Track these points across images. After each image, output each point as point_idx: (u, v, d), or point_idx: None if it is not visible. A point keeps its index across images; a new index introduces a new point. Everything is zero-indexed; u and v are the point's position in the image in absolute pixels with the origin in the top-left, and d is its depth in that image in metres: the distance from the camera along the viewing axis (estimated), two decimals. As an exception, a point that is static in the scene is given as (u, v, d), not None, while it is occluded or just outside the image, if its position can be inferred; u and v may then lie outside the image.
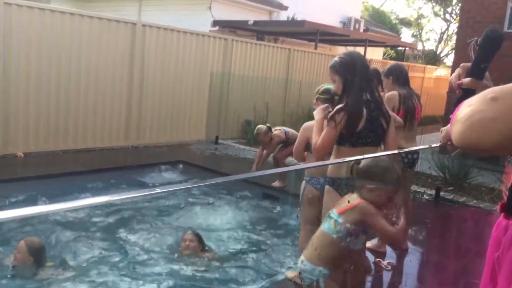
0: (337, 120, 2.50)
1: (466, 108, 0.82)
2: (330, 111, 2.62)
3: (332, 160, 2.69)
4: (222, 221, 4.92)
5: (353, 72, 2.57)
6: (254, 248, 4.31)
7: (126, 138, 7.76)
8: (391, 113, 3.86)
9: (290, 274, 3.23)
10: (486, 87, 1.14)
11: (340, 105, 2.57)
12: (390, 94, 4.12)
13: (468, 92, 0.87)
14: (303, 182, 3.33)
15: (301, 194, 3.33)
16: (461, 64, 1.26)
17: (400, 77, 4.17)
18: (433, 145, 1.74)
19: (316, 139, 2.60)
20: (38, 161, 6.28)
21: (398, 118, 3.92)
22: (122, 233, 4.39)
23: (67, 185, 5.33)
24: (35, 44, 6.40)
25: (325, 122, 2.61)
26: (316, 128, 2.66)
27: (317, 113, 2.73)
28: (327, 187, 2.72)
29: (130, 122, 7.75)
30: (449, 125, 0.92)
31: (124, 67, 7.53)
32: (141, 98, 7.83)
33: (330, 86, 3.23)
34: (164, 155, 7.47)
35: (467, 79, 1.19)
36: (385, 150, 2.74)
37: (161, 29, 7.98)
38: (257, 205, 5.47)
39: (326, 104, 2.77)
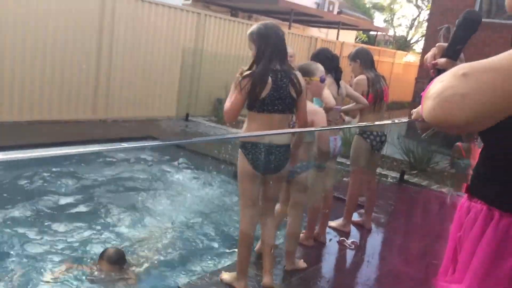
0: (242, 86, 2.66)
1: (438, 84, 0.82)
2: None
3: (247, 124, 2.82)
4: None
5: (266, 42, 2.70)
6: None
7: (93, 112, 7.56)
8: (355, 93, 3.94)
9: (225, 275, 3.08)
10: None
11: (247, 72, 2.71)
12: (358, 79, 4.15)
13: (442, 73, 0.88)
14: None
15: None
16: (437, 44, 1.25)
17: (367, 61, 4.21)
18: (403, 120, 1.78)
19: (227, 103, 2.76)
20: (0, 131, 6.05)
21: (362, 99, 3.98)
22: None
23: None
24: (2, 12, 6.10)
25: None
26: (230, 93, 2.80)
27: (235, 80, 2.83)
28: (239, 150, 2.85)
29: (98, 95, 7.54)
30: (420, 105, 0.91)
31: (93, 38, 7.27)
32: (110, 71, 7.61)
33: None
34: (133, 130, 7.33)
35: (443, 60, 1.19)
36: (296, 121, 2.91)
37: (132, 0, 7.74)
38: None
39: (242, 69, 2.82)
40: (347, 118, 4.25)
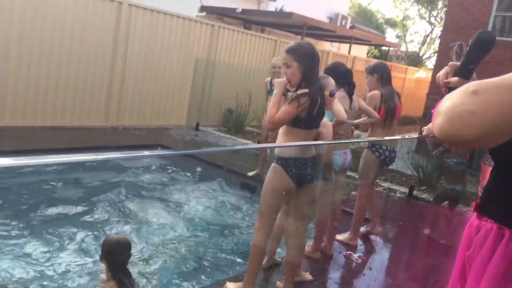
0: (301, 102, 2.72)
1: (448, 101, 0.83)
2: (290, 90, 2.85)
3: (283, 139, 2.90)
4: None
5: (313, 63, 2.82)
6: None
7: (105, 119, 7.65)
8: (367, 107, 3.97)
9: (230, 286, 3.10)
10: None
11: (305, 90, 2.77)
12: (372, 94, 4.16)
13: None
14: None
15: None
16: (450, 63, 1.24)
17: (384, 76, 4.20)
18: (413, 136, 1.78)
19: (273, 111, 2.78)
20: (13, 136, 6.15)
21: (374, 113, 3.99)
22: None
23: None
24: (17, 20, 6.23)
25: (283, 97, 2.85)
26: (276, 99, 2.82)
27: (277, 86, 2.87)
28: (274, 164, 2.90)
29: (111, 102, 7.64)
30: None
31: (108, 46, 7.40)
32: (123, 79, 7.72)
33: None
34: (143, 138, 7.41)
35: (455, 78, 1.19)
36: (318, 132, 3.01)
37: (148, 10, 7.86)
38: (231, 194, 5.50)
39: (284, 79, 2.88)
40: (357, 132, 4.27)
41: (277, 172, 2.87)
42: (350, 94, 3.70)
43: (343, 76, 3.65)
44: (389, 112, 4.14)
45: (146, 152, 1.06)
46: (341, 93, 3.59)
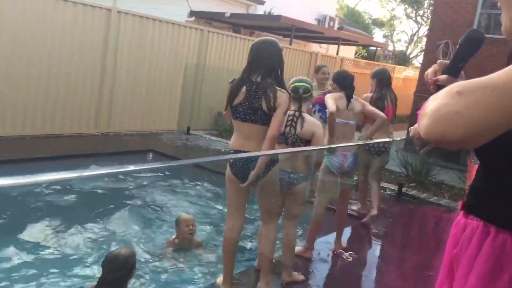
0: (227, 91, 2.90)
1: (433, 102, 0.84)
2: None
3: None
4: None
5: (254, 56, 2.88)
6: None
7: (96, 125, 7.64)
8: (371, 109, 4.06)
9: (219, 278, 3.21)
10: None
11: (232, 79, 2.94)
12: (364, 96, 4.71)
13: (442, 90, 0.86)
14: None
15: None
16: (438, 61, 1.24)
17: (382, 79, 4.75)
18: (401, 138, 1.82)
19: None
20: (3, 146, 6.12)
21: (379, 113, 4.13)
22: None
23: (33, 170, 5.17)
24: (6, 27, 6.22)
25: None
26: None
27: None
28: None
29: (101, 109, 7.63)
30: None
31: (97, 53, 7.40)
32: (113, 85, 7.72)
33: (300, 83, 3.32)
34: (134, 144, 7.41)
35: (444, 76, 1.18)
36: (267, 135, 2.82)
37: (137, 17, 7.88)
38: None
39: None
40: (358, 134, 4.55)
41: (227, 167, 2.99)
42: (348, 96, 3.96)
43: (342, 80, 4.03)
44: None
45: (132, 167, 1.08)
46: (340, 94, 3.97)
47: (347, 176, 4.03)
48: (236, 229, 3.02)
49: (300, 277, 3.47)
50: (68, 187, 4.93)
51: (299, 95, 3.23)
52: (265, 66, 2.83)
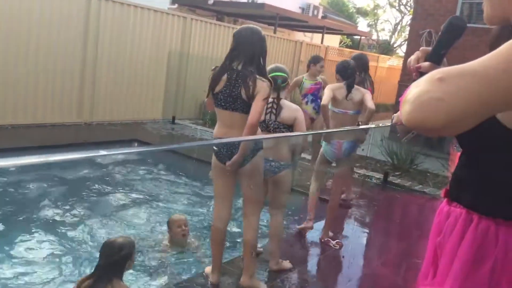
0: (209, 78, 2.91)
1: (414, 89, 0.83)
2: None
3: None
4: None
5: (237, 44, 2.89)
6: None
7: (78, 115, 7.51)
8: (367, 99, 4.08)
9: (207, 268, 3.21)
10: None
11: (215, 66, 2.96)
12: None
13: None
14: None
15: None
16: (421, 48, 1.23)
17: (359, 65, 4.71)
18: (385, 124, 1.83)
19: None
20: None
21: (371, 108, 4.14)
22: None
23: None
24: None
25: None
26: None
27: None
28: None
29: (83, 98, 7.50)
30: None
31: (77, 41, 7.24)
32: (95, 74, 7.58)
33: (278, 73, 3.29)
34: (118, 133, 7.32)
35: (426, 63, 1.18)
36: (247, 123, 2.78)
37: (117, 3, 7.71)
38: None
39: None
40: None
41: (213, 156, 2.97)
42: (348, 86, 4.06)
43: (344, 70, 4.12)
44: None
45: (103, 152, 1.06)
46: (339, 84, 4.09)
47: (342, 165, 4.13)
48: (223, 219, 3.01)
49: (288, 265, 3.49)
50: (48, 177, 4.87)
51: (278, 86, 3.24)
52: (246, 54, 2.82)
